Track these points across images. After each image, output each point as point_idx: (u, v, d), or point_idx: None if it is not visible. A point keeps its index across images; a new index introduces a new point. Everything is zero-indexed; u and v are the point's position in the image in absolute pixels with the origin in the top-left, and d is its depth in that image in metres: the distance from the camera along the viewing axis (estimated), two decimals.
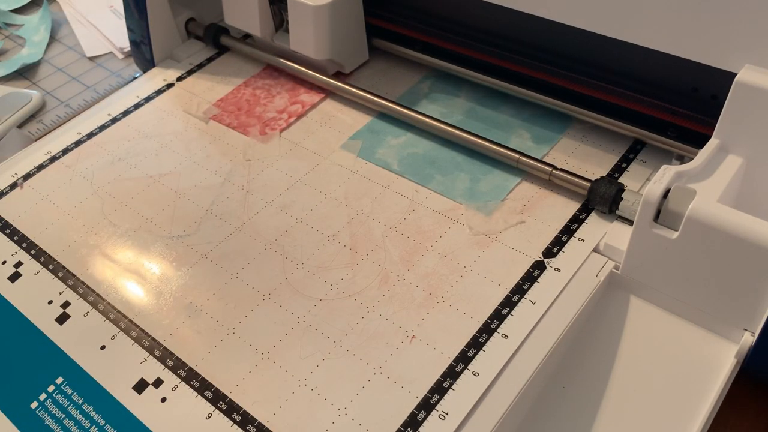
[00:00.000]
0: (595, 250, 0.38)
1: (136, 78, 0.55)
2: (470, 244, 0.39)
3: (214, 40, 0.55)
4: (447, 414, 0.32)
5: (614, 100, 0.43)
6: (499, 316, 0.36)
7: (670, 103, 0.41)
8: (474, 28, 0.48)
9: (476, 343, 0.35)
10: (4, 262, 0.41)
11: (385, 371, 0.34)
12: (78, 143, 0.49)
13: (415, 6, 0.51)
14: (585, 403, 0.34)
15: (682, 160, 0.42)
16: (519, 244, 0.39)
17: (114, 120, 0.50)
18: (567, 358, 0.36)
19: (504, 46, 0.47)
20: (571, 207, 0.41)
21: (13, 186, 0.46)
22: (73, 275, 0.40)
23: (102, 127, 0.50)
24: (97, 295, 0.39)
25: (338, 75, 0.52)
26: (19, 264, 0.41)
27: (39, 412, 0.35)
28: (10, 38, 0.68)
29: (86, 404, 0.34)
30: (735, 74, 0.35)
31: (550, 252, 0.38)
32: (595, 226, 0.39)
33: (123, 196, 0.45)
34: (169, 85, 0.53)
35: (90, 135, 0.49)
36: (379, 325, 0.36)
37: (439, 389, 0.33)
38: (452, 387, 0.33)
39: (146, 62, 0.56)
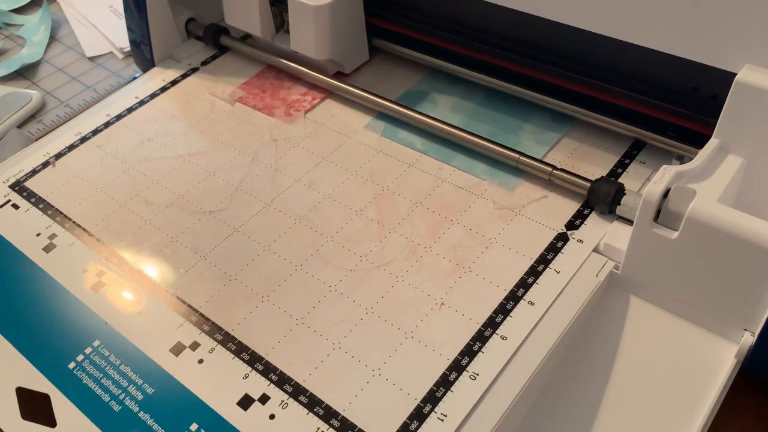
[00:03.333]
0: (595, 250, 0.38)
1: (136, 78, 0.55)
2: (494, 218, 0.41)
3: (214, 40, 0.55)
4: (477, 375, 0.33)
5: (614, 100, 0.43)
6: (524, 284, 0.37)
7: (670, 103, 0.41)
8: (474, 28, 0.48)
9: (503, 310, 0.36)
10: (38, 234, 0.43)
11: (416, 335, 0.35)
12: (107, 124, 0.50)
13: (415, 6, 0.50)
14: (585, 403, 0.34)
15: (682, 160, 0.42)
16: (542, 218, 0.40)
17: (141, 102, 0.52)
18: (567, 358, 0.36)
19: (504, 46, 0.47)
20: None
21: (46, 164, 0.47)
22: (107, 247, 0.41)
23: (130, 109, 0.51)
24: (131, 265, 0.40)
25: (338, 75, 0.52)
26: (53, 236, 0.42)
27: (76, 371, 0.36)
28: (10, 38, 0.68)
29: (124, 365, 0.36)
30: (735, 74, 0.35)
31: (572, 225, 0.40)
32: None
33: (154, 175, 0.46)
34: (190, 72, 0.54)
35: (119, 117, 0.51)
36: (409, 293, 0.37)
37: (469, 352, 0.34)
38: (482, 350, 0.34)
39: (146, 62, 0.56)
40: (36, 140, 0.53)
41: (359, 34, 0.51)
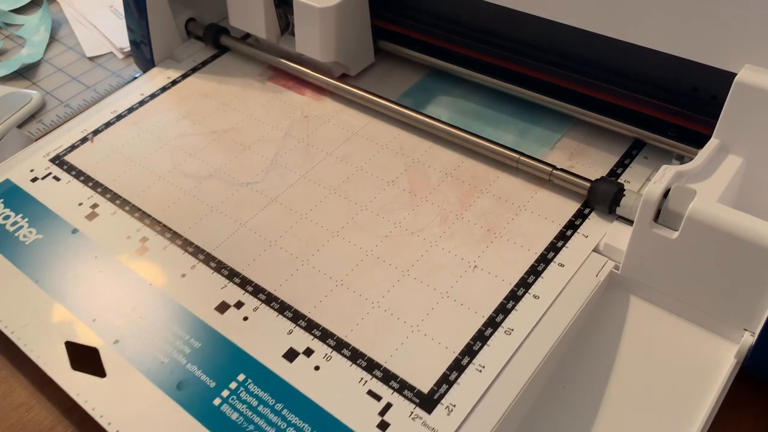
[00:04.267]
0: (595, 250, 0.38)
1: (136, 78, 0.55)
2: (523, 187, 0.42)
3: (214, 40, 0.55)
4: (512, 330, 0.35)
5: (614, 100, 0.43)
6: (554, 248, 0.39)
7: (670, 103, 0.41)
8: (477, 29, 0.48)
9: (534, 271, 0.38)
10: (80, 204, 0.44)
11: (452, 295, 0.37)
12: (142, 102, 0.52)
13: (419, 8, 0.50)
14: (585, 403, 0.34)
15: (682, 160, 0.42)
16: (570, 187, 0.42)
17: (174, 82, 0.53)
18: (567, 357, 0.36)
19: (505, 47, 0.47)
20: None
21: (84, 140, 0.49)
22: (149, 216, 0.43)
23: (164, 89, 0.53)
24: (175, 232, 0.42)
25: (344, 77, 0.52)
26: (95, 206, 0.44)
27: (123, 329, 0.37)
28: (10, 38, 0.67)
29: (170, 321, 0.37)
30: (735, 74, 0.35)
31: (581, 213, 0.41)
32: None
33: (191, 149, 0.47)
34: (220, 53, 0.56)
35: (153, 96, 0.52)
36: (443, 257, 0.39)
37: (503, 310, 0.36)
38: (515, 308, 0.36)
39: (146, 62, 0.55)
40: (36, 140, 0.53)
41: (365, 36, 0.51)
